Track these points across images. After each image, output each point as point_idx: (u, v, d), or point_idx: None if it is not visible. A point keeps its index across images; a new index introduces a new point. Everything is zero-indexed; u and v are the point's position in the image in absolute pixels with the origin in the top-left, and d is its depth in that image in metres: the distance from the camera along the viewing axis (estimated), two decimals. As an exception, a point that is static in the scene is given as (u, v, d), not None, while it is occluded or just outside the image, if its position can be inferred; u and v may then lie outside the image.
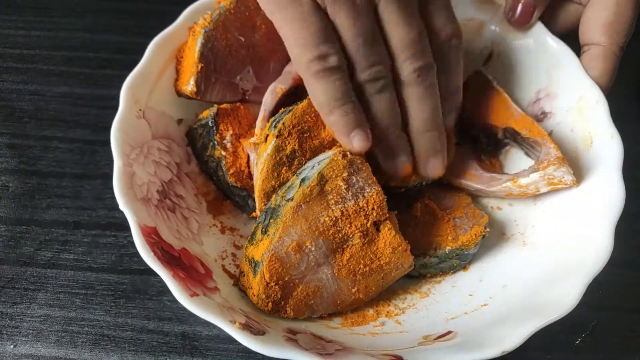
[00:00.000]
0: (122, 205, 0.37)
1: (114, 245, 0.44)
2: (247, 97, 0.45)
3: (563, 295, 0.35)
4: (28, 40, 0.55)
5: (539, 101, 0.45)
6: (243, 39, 0.44)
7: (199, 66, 0.42)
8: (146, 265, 0.36)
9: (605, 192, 0.38)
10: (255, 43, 0.44)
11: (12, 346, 0.40)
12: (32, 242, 0.44)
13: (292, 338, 0.35)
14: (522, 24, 0.44)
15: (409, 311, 0.40)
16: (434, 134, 0.41)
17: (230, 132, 0.43)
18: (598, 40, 0.42)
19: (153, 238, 0.37)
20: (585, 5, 0.44)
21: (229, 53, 0.43)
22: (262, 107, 0.42)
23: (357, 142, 0.38)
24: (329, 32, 0.38)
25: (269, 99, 0.42)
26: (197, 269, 0.38)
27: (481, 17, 0.47)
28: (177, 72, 0.44)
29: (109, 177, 0.38)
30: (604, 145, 0.40)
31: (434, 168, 0.41)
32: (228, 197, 0.44)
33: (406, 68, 0.39)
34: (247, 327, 0.35)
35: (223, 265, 0.41)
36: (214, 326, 0.38)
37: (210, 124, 0.42)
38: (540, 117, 0.44)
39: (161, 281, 0.35)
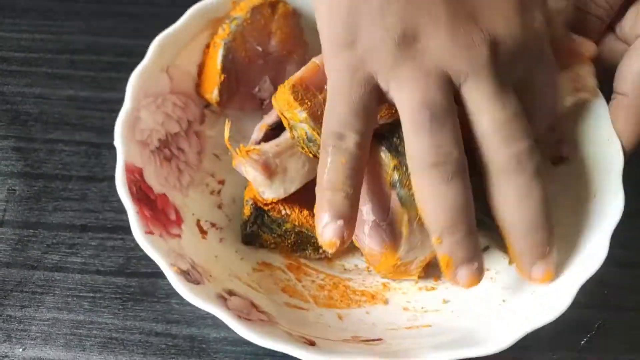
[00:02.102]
0: (117, 141, 0.39)
1: (121, 248, 0.44)
2: (263, 107, 0.46)
3: (554, 300, 0.35)
4: (32, 44, 0.55)
5: (561, 143, 0.43)
6: (260, 49, 0.45)
7: (222, 77, 0.43)
8: (154, 268, 0.36)
9: (593, 254, 0.37)
10: (271, 50, 0.45)
11: (21, 349, 0.40)
12: (40, 246, 0.44)
13: (224, 297, 0.36)
14: None
15: (356, 310, 0.40)
16: (540, 235, 0.34)
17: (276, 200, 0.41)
18: (626, 91, 0.40)
19: (135, 177, 0.39)
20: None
21: (248, 64, 0.44)
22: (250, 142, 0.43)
23: (326, 234, 0.33)
24: (363, 111, 0.33)
25: (254, 135, 0.43)
26: (169, 215, 0.40)
27: None
28: (198, 76, 0.45)
29: (115, 179, 0.39)
30: (605, 202, 0.39)
31: (540, 274, 0.35)
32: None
33: (501, 153, 0.33)
34: (184, 274, 0.36)
35: (198, 220, 0.42)
36: (222, 328, 0.38)
37: (256, 213, 0.41)
38: (556, 160, 0.43)
39: (169, 284, 0.35)
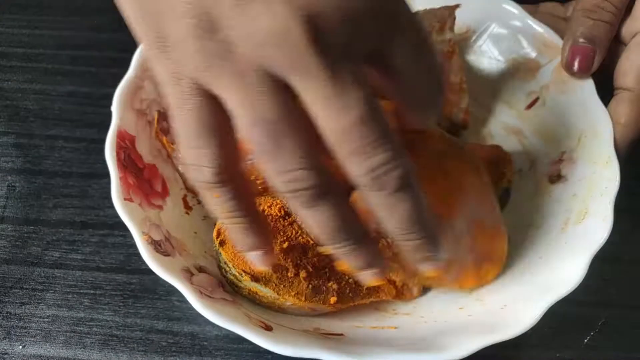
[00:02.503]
0: (114, 106, 0.39)
1: (122, 245, 0.44)
2: None
3: (520, 318, 0.35)
4: (32, 39, 0.54)
5: (560, 162, 0.43)
6: None
7: None
8: (155, 265, 0.36)
9: (569, 276, 0.37)
10: None
11: (20, 347, 0.40)
12: (40, 242, 0.44)
13: (191, 272, 0.36)
14: (584, 73, 0.42)
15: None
16: (416, 242, 0.30)
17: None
18: (628, 85, 0.40)
19: (125, 144, 0.39)
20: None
21: None
22: None
23: (255, 265, 0.33)
24: (206, 131, 0.27)
25: None
26: (154, 186, 0.40)
27: (539, 60, 0.45)
28: None
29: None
30: (592, 225, 0.38)
31: (427, 270, 0.32)
32: None
33: (352, 170, 0.27)
34: (155, 244, 0.36)
35: (185, 195, 0.42)
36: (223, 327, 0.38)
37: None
38: (553, 179, 0.43)
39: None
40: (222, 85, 0.26)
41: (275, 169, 0.27)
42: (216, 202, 0.29)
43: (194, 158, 0.28)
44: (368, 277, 0.31)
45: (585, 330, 0.42)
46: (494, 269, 0.39)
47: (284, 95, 0.26)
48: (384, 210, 0.29)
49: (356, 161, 0.27)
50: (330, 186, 0.28)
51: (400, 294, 0.39)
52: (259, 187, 0.38)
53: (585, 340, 0.41)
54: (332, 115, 0.26)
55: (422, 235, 0.30)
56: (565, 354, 0.41)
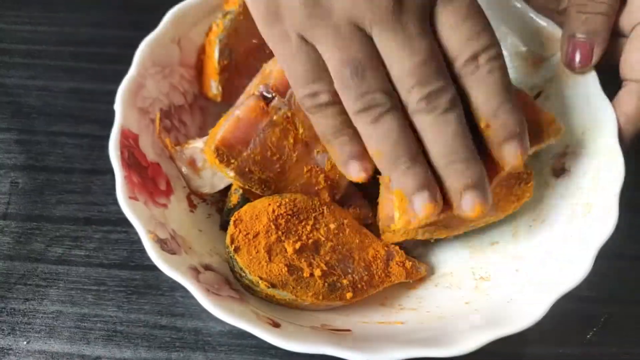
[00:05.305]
0: (117, 105, 0.40)
1: (126, 241, 0.44)
2: None
3: (527, 311, 0.35)
4: (34, 36, 0.54)
5: (565, 156, 0.43)
6: (257, 41, 0.44)
7: (221, 74, 0.43)
8: (158, 261, 0.36)
9: (575, 270, 0.37)
10: None
11: (25, 342, 0.40)
12: (43, 239, 0.44)
13: (198, 270, 0.36)
14: (584, 67, 0.42)
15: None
16: (461, 165, 0.34)
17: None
18: (633, 77, 0.40)
19: (129, 142, 0.39)
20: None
21: (246, 57, 0.44)
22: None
23: (352, 172, 0.37)
24: (318, 68, 0.35)
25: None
26: (158, 184, 0.40)
27: (542, 54, 0.45)
28: (202, 80, 0.45)
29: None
30: (597, 218, 0.38)
31: (469, 206, 0.35)
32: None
33: (411, 98, 0.34)
34: (161, 242, 0.36)
35: (189, 193, 0.42)
36: (227, 322, 0.38)
37: (243, 204, 0.39)
38: (558, 172, 0.43)
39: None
40: (319, 39, 0.35)
41: (356, 94, 0.34)
42: (326, 122, 0.36)
43: (313, 89, 0.35)
44: (422, 202, 0.35)
45: (588, 326, 0.42)
46: (526, 185, 0.41)
47: (368, 42, 0.34)
48: (434, 130, 0.34)
49: (416, 90, 0.34)
50: (396, 107, 0.35)
51: (410, 274, 0.39)
52: None
53: (588, 336, 0.41)
54: (403, 56, 0.34)
55: (465, 156, 0.35)
56: (568, 350, 0.41)
